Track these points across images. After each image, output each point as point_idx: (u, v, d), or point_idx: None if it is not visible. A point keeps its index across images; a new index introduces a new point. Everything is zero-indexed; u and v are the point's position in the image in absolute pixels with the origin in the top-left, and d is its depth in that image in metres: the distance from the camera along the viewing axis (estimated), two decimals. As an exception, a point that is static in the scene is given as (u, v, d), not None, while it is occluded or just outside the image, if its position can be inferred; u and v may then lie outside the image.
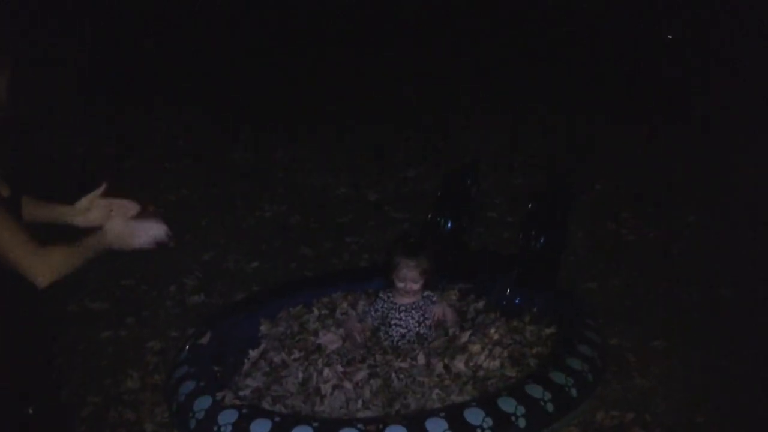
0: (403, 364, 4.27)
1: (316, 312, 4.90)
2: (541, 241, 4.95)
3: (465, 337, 4.45)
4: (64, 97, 10.82)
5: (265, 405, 4.02)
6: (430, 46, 14.09)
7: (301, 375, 4.26)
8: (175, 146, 10.15)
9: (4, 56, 2.70)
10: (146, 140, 10.33)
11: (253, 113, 11.54)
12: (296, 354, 4.46)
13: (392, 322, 4.60)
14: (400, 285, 4.56)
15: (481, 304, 4.97)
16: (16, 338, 2.88)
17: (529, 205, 5.20)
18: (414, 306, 4.59)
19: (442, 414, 3.65)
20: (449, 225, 5.45)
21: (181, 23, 14.63)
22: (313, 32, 14.83)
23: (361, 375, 4.20)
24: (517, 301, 4.90)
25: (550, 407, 3.80)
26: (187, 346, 4.52)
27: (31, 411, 2.89)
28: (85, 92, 11.14)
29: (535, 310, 4.76)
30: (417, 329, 4.57)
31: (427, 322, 4.58)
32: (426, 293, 4.62)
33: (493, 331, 4.46)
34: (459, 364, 4.21)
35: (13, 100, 2.76)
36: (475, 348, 4.29)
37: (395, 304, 4.62)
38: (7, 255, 2.75)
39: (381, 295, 4.72)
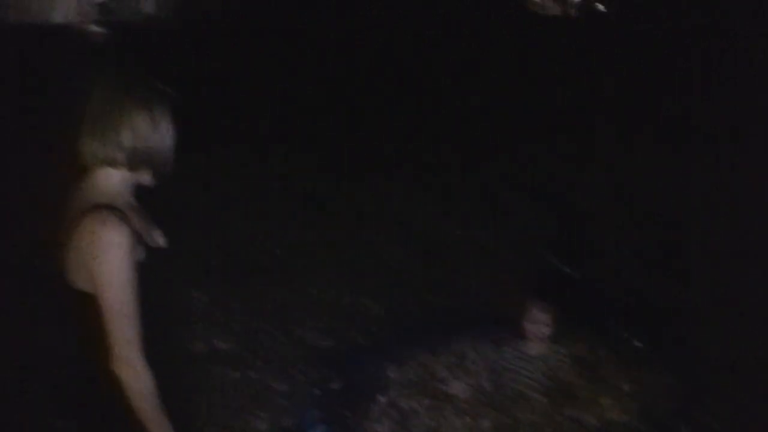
0: (531, 415, 4.29)
1: (444, 359, 4.96)
2: (668, 291, 4.95)
3: (594, 387, 4.47)
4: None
5: (394, 451, 4.10)
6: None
7: (430, 423, 4.31)
8: (291, 187, 10.32)
9: None
10: (262, 180, 10.56)
11: (370, 157, 11.72)
12: (425, 401, 4.52)
13: (520, 371, 4.63)
14: (532, 329, 4.57)
15: (607, 352, 4.98)
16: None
17: (655, 255, 5.20)
18: (541, 357, 4.60)
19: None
20: (571, 271, 5.48)
21: (294, 65, 14.89)
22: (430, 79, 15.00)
23: (489, 425, 4.24)
24: (640, 348, 4.90)
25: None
26: (317, 390, 4.62)
27: None
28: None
29: (661, 360, 4.75)
30: (543, 381, 4.59)
31: (554, 374, 4.59)
32: (555, 346, 4.63)
33: (622, 382, 4.47)
34: (590, 418, 4.22)
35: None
36: (607, 401, 4.30)
37: (522, 353, 4.65)
38: (110, 321, 2.60)
39: (509, 342, 4.75)
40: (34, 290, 4.90)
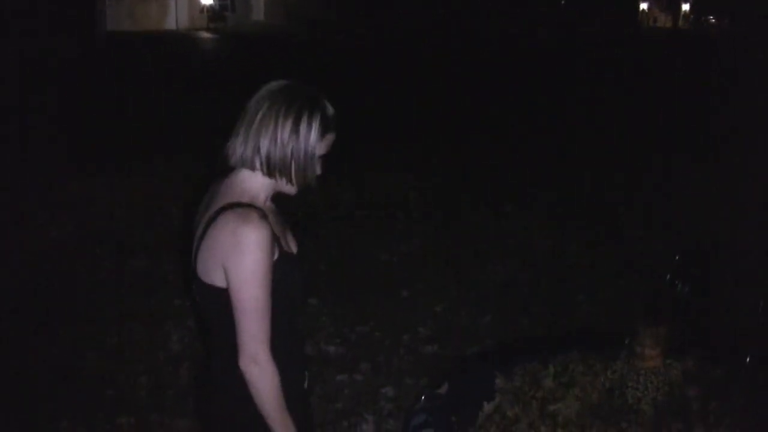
0: (638, 428, 4.22)
1: (551, 369, 4.91)
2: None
3: (704, 402, 4.37)
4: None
5: (499, 458, 4.07)
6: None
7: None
8: (406, 200, 10.39)
9: None
10: (377, 192, 10.66)
11: (484, 173, 11.75)
12: (530, 409, 4.49)
13: (629, 384, 4.56)
14: (638, 350, 4.51)
15: (720, 372, 4.86)
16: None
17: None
18: (654, 371, 4.52)
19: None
20: (688, 289, 5.36)
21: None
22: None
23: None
24: (752, 366, 4.75)
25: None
26: (425, 395, 4.61)
27: None
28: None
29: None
30: (654, 395, 4.51)
31: (666, 389, 4.51)
32: (668, 361, 4.55)
33: (733, 398, 4.36)
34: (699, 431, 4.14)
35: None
36: (715, 416, 4.20)
37: (632, 366, 4.57)
38: (241, 317, 2.64)
39: (620, 358, 4.68)
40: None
